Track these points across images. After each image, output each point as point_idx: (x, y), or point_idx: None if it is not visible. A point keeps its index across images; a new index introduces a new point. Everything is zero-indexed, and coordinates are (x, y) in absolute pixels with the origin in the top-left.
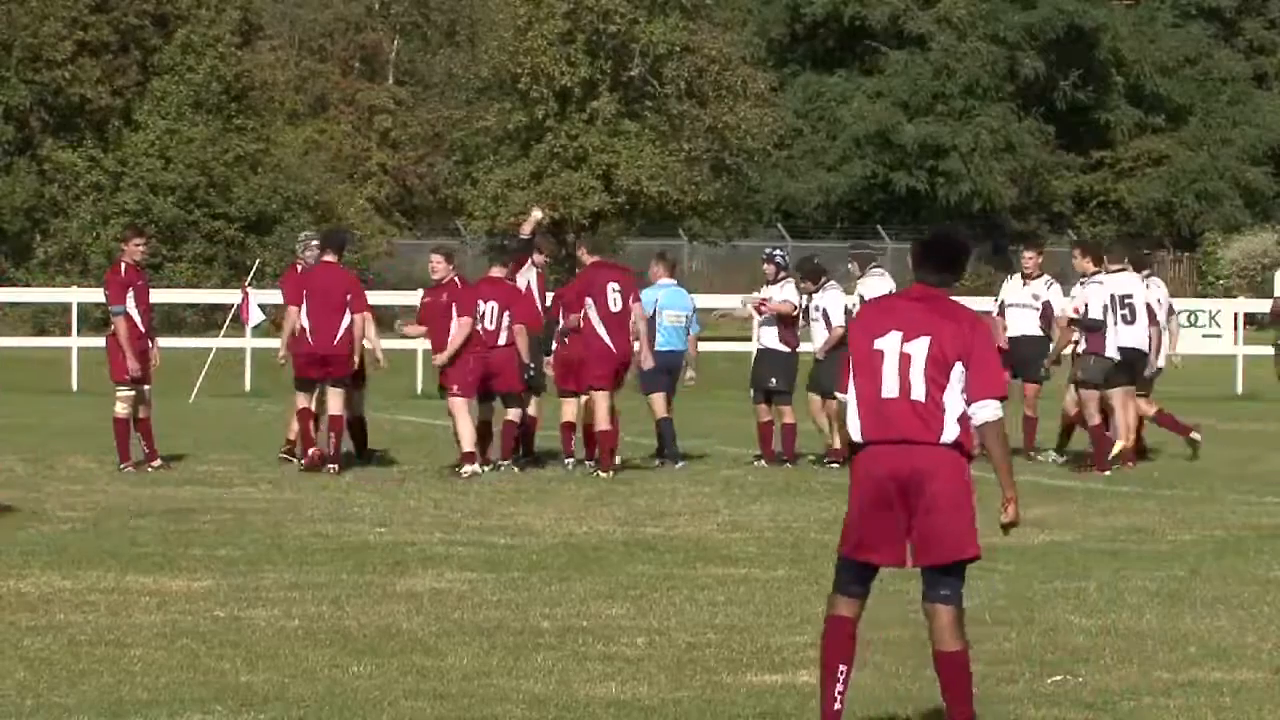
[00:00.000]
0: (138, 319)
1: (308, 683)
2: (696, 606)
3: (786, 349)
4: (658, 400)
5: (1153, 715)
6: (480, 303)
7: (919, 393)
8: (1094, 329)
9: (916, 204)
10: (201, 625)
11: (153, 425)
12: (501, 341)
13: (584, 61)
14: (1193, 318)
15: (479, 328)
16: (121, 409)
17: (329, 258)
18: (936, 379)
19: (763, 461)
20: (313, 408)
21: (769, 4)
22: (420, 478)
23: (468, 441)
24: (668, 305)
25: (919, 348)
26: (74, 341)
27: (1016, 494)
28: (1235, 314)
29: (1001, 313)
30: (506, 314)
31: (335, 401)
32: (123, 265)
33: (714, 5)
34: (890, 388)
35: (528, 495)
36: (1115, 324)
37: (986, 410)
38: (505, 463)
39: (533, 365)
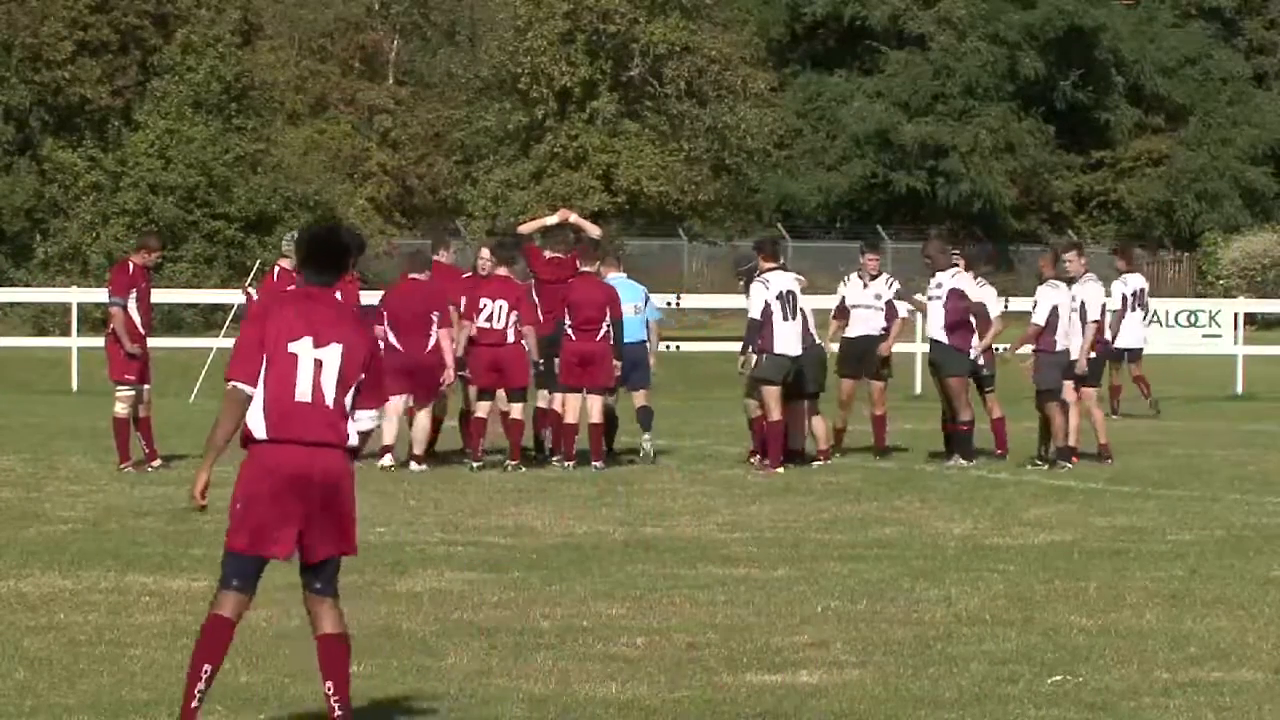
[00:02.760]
0: (137, 320)
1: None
2: (696, 606)
3: None
4: (636, 394)
5: (1153, 715)
6: (488, 301)
7: (330, 398)
8: (756, 328)
9: (916, 204)
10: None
11: (153, 425)
12: (510, 340)
13: (584, 62)
14: (1193, 318)
15: (486, 325)
16: (121, 409)
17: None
18: (345, 385)
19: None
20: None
21: (769, 4)
22: (420, 478)
23: (389, 435)
24: None
25: (332, 354)
26: (74, 341)
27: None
28: (1235, 314)
29: (842, 313)
30: (515, 313)
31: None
32: (131, 264)
33: (714, 5)
34: (303, 391)
35: (528, 495)
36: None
37: (367, 419)
38: (514, 463)
39: (541, 362)
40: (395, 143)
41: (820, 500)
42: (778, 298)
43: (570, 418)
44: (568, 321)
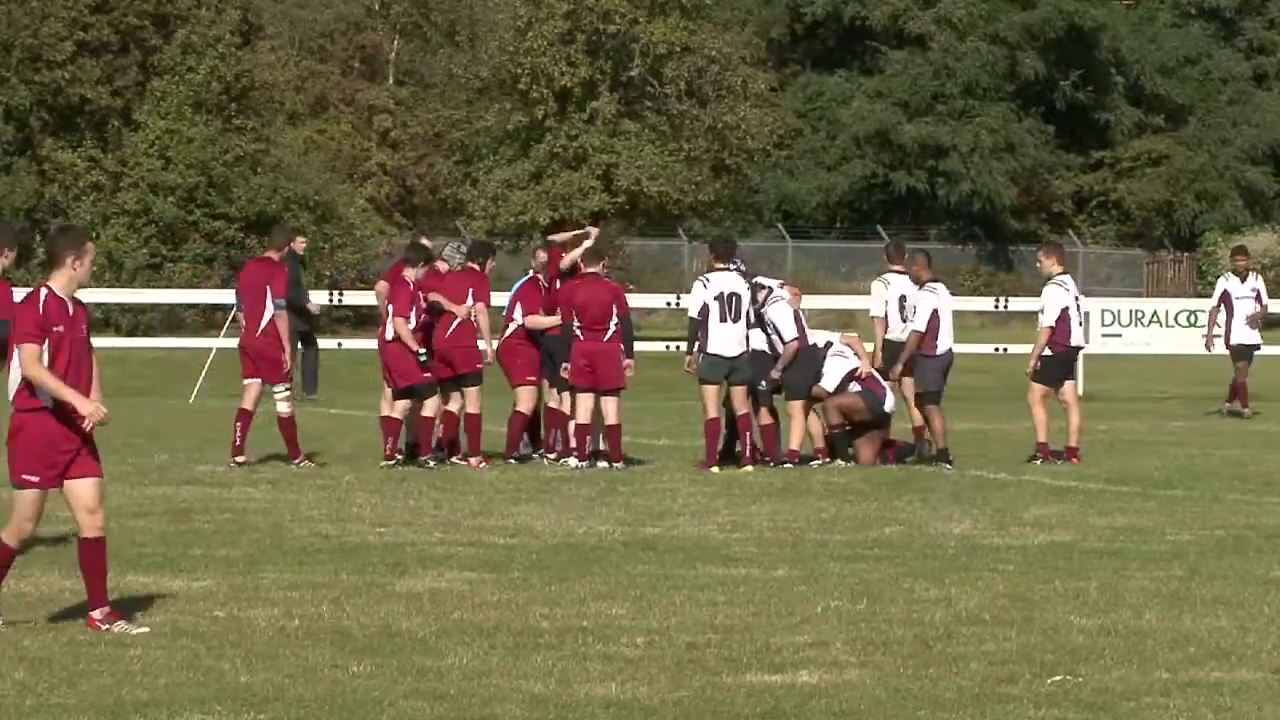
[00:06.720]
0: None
1: (308, 683)
2: (696, 606)
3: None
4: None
5: (1153, 715)
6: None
7: None
8: (695, 328)
9: (916, 204)
10: (201, 625)
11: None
12: (388, 338)
13: (584, 62)
14: (1192, 318)
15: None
16: (285, 408)
17: (472, 265)
18: None
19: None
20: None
21: (769, 4)
22: (420, 478)
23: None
24: None
25: None
26: None
27: None
28: None
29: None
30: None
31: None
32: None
33: (714, 5)
34: None
35: (528, 495)
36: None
37: None
38: (388, 462)
39: (424, 352)
40: (395, 143)
41: (820, 500)
42: (716, 298)
43: (583, 418)
44: (576, 322)
